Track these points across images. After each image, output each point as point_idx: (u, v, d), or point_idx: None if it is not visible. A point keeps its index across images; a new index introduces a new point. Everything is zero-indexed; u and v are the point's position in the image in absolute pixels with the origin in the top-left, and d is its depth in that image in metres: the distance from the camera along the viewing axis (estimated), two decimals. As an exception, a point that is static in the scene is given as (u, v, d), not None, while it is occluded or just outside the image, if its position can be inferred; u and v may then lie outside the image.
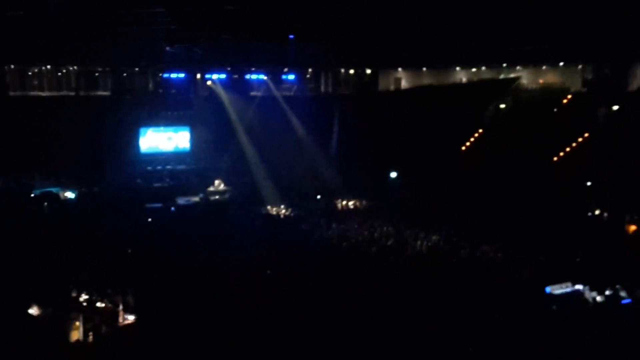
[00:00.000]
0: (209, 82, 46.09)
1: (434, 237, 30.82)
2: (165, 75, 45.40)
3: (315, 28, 24.70)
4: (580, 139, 41.96)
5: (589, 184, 36.76)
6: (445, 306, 20.21)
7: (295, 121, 45.89)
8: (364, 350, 17.11)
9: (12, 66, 43.14)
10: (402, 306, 20.49)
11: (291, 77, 49.15)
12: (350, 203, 39.51)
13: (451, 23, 23.50)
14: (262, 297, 21.47)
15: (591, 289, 21.99)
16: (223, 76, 45.69)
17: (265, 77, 47.71)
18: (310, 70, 53.05)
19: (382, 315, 19.55)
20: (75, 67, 45.92)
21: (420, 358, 16.64)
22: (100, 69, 47.14)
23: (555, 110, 45.94)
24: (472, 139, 47.68)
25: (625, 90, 44.38)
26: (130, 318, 19.71)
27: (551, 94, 48.08)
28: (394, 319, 19.14)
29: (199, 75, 45.46)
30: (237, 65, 44.56)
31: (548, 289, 21.82)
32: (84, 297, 20.18)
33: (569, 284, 22.17)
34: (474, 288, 22.55)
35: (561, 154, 41.97)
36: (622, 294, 21.72)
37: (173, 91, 46.62)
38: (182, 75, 44.77)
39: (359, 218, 35.48)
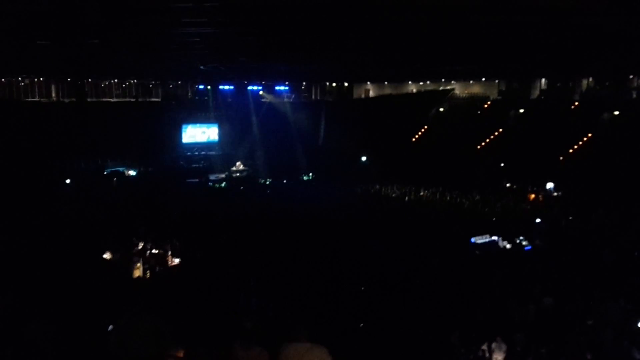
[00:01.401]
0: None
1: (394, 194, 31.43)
2: (200, 86, 45.26)
3: (309, 53, 24.57)
4: (496, 133, 42.11)
5: (502, 165, 36.94)
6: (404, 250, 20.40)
7: (293, 120, 45.71)
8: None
9: (89, 80, 42.85)
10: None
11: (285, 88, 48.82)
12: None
13: (405, 51, 23.42)
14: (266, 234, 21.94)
15: (503, 239, 22.21)
16: (242, 87, 45.32)
17: (276, 87, 47.50)
18: (304, 83, 52.90)
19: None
20: (135, 80, 45.65)
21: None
22: (153, 82, 46.87)
23: (478, 112, 45.99)
24: (420, 133, 47.70)
25: (528, 98, 44.56)
26: (176, 261, 19.76)
27: (476, 100, 48.09)
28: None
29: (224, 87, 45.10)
30: (251, 79, 44.26)
31: (473, 239, 22.04)
32: (142, 245, 20.20)
33: (488, 235, 22.39)
34: (423, 237, 22.66)
35: (483, 143, 42.10)
36: (525, 242, 21.95)
37: (205, 98, 46.29)
38: (211, 87, 44.51)
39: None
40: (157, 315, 2.84)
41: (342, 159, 41.56)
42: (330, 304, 14.42)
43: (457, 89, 50.06)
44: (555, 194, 32.21)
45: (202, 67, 28.20)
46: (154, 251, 19.92)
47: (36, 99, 41.60)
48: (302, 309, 13.88)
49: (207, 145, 43.93)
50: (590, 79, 42.11)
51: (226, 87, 44.44)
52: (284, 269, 17.83)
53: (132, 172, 38.36)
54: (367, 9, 14.14)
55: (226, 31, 18.03)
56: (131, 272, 18.22)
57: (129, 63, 29.99)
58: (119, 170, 37.95)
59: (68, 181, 33.44)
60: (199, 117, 44.43)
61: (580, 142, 36.06)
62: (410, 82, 52.09)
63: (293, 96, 50.13)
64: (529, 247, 21.65)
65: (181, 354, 3.66)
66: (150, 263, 18.99)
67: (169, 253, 19.75)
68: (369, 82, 54.06)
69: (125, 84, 46.08)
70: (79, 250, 19.24)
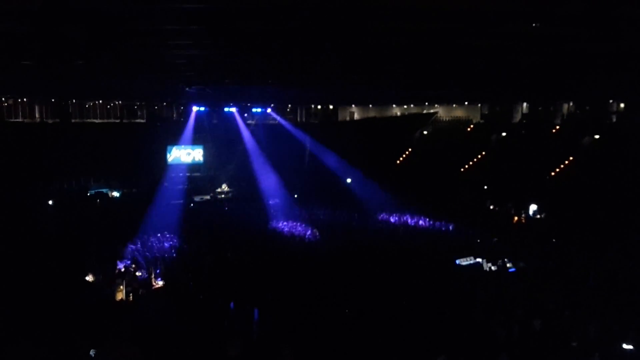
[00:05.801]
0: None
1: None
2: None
3: (295, 77, 24.71)
4: (479, 156, 42.46)
5: (485, 187, 37.17)
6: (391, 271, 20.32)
7: (278, 142, 45.66)
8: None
9: (74, 100, 42.60)
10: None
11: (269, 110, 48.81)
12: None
13: (389, 75, 23.68)
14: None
15: (487, 261, 22.24)
16: (226, 109, 45.22)
17: (258, 110, 47.40)
18: (289, 105, 53.08)
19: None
20: (119, 102, 45.48)
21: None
22: (138, 103, 46.72)
23: (461, 135, 46.41)
24: (404, 155, 47.95)
25: (511, 122, 45.12)
26: (160, 283, 19.52)
27: (459, 124, 48.58)
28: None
29: (209, 108, 44.95)
30: (235, 102, 44.22)
31: (457, 261, 22.06)
32: (125, 267, 19.95)
33: (472, 257, 22.42)
34: (407, 259, 22.59)
35: (466, 166, 42.40)
36: (509, 265, 22.00)
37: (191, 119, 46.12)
38: (197, 108, 44.29)
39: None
40: (140, 340, 2.76)
41: (327, 181, 41.56)
42: (315, 327, 14.25)
43: (441, 112, 50.54)
44: (539, 216, 32.44)
45: (187, 89, 28.18)
46: (137, 273, 19.70)
47: (19, 120, 41.21)
48: (288, 333, 13.71)
49: (192, 167, 43.77)
50: (571, 103, 42.79)
51: (212, 108, 44.33)
52: (270, 293, 17.66)
53: (115, 194, 38.02)
54: (352, 34, 14.27)
55: (212, 53, 18.09)
56: (114, 295, 17.96)
57: (114, 84, 29.89)
58: (102, 191, 37.60)
59: (51, 202, 33.03)
60: (184, 138, 44.31)
61: (562, 165, 36.47)
62: (394, 106, 52.54)
63: (278, 118, 50.26)
64: (513, 269, 21.69)
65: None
66: (133, 285, 18.73)
67: (152, 275, 19.53)
68: (353, 105, 54.41)
69: (110, 105, 45.87)
70: (60, 272, 18.92)
